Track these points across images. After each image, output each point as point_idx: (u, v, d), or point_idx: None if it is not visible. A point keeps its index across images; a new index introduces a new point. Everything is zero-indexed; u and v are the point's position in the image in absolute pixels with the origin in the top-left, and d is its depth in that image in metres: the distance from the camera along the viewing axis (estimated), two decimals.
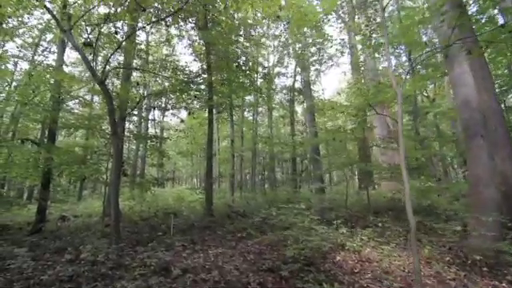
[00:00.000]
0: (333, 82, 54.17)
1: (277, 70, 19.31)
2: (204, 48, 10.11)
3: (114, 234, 5.38)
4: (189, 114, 8.93)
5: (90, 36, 6.66)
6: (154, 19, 8.26)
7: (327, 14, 9.68)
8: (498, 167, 6.81)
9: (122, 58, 9.51)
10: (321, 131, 14.88)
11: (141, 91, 9.33)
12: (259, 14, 12.23)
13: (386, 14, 11.54)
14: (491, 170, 5.71)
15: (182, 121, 11.34)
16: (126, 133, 11.35)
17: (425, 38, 14.54)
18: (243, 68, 10.71)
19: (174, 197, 11.83)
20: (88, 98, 13.25)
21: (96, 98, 15.30)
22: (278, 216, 5.34)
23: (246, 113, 22.37)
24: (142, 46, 10.01)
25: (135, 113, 11.95)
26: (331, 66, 18.45)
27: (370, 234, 6.09)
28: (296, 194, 13.35)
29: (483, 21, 7.35)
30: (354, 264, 4.46)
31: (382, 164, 12.27)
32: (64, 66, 10.23)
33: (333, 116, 19.36)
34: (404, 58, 18.28)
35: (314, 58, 17.48)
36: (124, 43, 7.36)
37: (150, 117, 18.20)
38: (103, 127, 8.94)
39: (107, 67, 7.00)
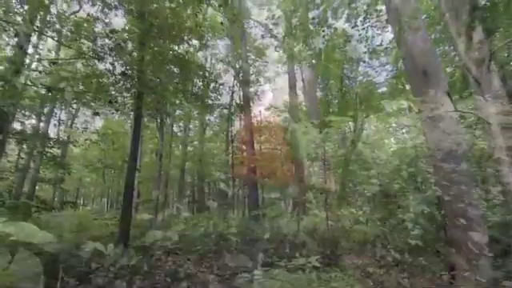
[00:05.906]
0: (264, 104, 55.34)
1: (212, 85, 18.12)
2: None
3: None
4: (116, 110, 6.53)
5: None
6: None
7: None
8: None
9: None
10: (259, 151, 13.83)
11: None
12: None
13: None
14: None
15: (97, 113, 8.28)
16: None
17: None
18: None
19: (73, 225, 8.73)
20: None
21: None
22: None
23: (175, 127, 19.98)
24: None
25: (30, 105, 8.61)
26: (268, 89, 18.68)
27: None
28: (230, 221, 11.48)
29: None
30: None
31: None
32: None
33: (271, 136, 18.60)
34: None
35: (253, 76, 17.36)
36: None
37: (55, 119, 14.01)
38: None
39: None
